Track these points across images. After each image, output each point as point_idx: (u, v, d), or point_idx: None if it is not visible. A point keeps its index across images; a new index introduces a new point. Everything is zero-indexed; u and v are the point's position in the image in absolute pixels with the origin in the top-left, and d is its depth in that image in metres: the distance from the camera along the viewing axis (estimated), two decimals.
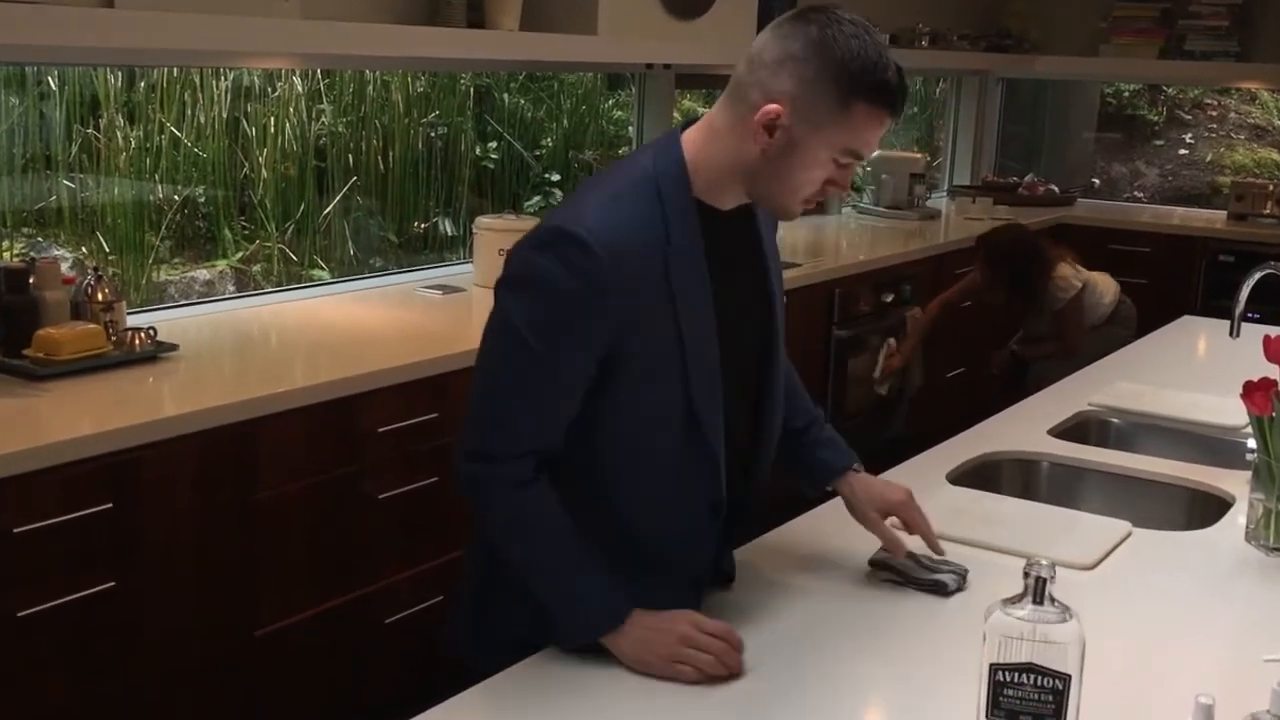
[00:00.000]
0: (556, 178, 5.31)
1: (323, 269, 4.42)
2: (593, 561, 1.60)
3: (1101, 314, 4.55)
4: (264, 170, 4.27)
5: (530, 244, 1.57)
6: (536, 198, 5.24)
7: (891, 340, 4.74)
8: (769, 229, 1.78)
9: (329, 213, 4.43)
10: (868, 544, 1.91)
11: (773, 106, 1.53)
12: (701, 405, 1.63)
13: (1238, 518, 2.17)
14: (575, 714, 1.49)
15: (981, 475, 2.43)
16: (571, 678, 1.57)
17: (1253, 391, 2.03)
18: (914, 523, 1.87)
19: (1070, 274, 4.48)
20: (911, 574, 1.84)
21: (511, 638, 1.64)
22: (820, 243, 5.43)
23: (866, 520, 1.87)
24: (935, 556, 1.87)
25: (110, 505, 2.32)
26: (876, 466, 2.38)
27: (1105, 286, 4.60)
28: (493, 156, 5.06)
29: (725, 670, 1.53)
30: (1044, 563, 1.30)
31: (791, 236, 5.35)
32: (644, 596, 1.59)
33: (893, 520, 1.88)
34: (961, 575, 1.84)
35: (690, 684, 1.52)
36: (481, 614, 1.75)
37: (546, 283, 1.54)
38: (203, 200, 4.18)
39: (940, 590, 1.81)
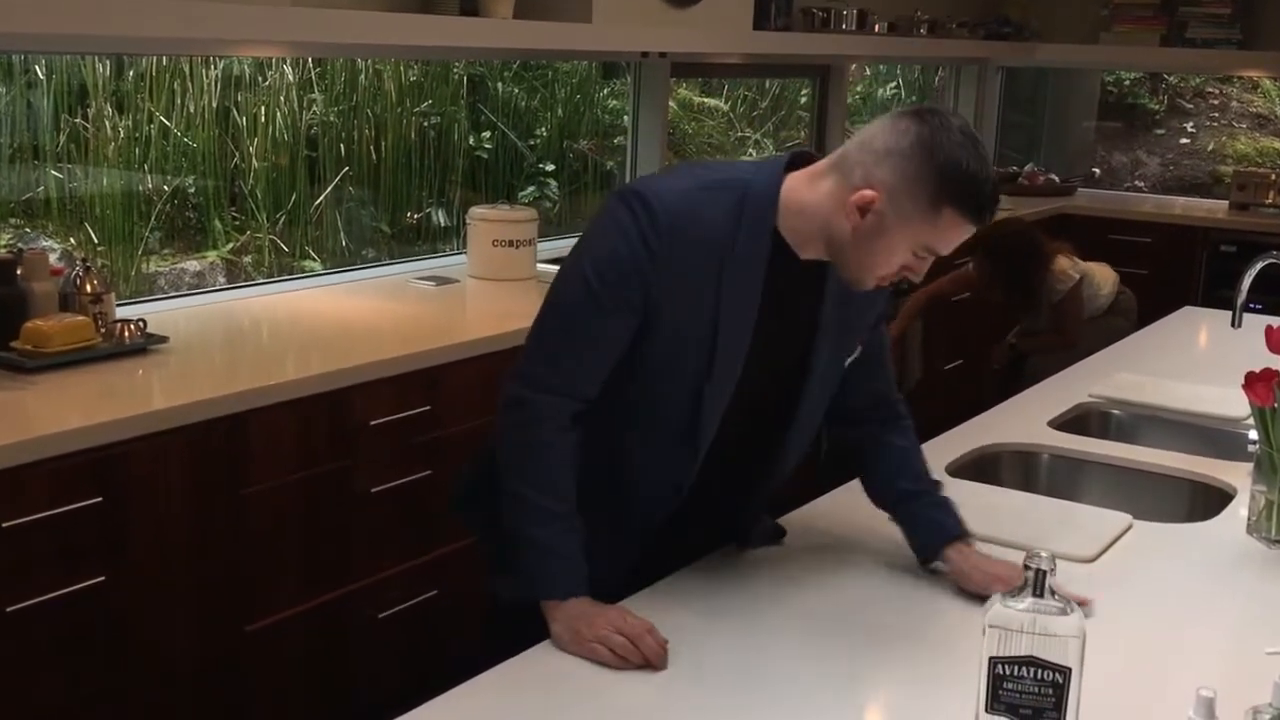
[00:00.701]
0: (551, 168, 5.30)
1: (314, 260, 4.42)
2: (574, 534, 1.70)
3: (1100, 305, 4.55)
4: (254, 160, 4.26)
5: (614, 194, 1.72)
6: (531, 188, 5.24)
7: None
8: (850, 302, 1.80)
9: (321, 203, 4.42)
10: (871, 535, 1.91)
11: (870, 193, 1.62)
12: (707, 404, 1.73)
13: (1239, 510, 2.17)
14: (574, 703, 1.49)
15: (981, 467, 2.44)
16: (571, 670, 1.57)
17: (1254, 382, 2.04)
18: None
19: (1068, 266, 4.47)
20: None
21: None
22: None
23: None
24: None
25: (100, 499, 2.31)
26: None
27: (1103, 277, 4.60)
28: (486, 146, 5.06)
29: (639, 656, 1.58)
30: (1044, 555, 1.30)
31: None
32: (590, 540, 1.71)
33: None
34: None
35: (607, 665, 1.57)
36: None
37: (610, 231, 1.68)
38: (192, 190, 4.18)
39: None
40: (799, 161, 1.73)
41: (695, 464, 1.78)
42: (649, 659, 1.57)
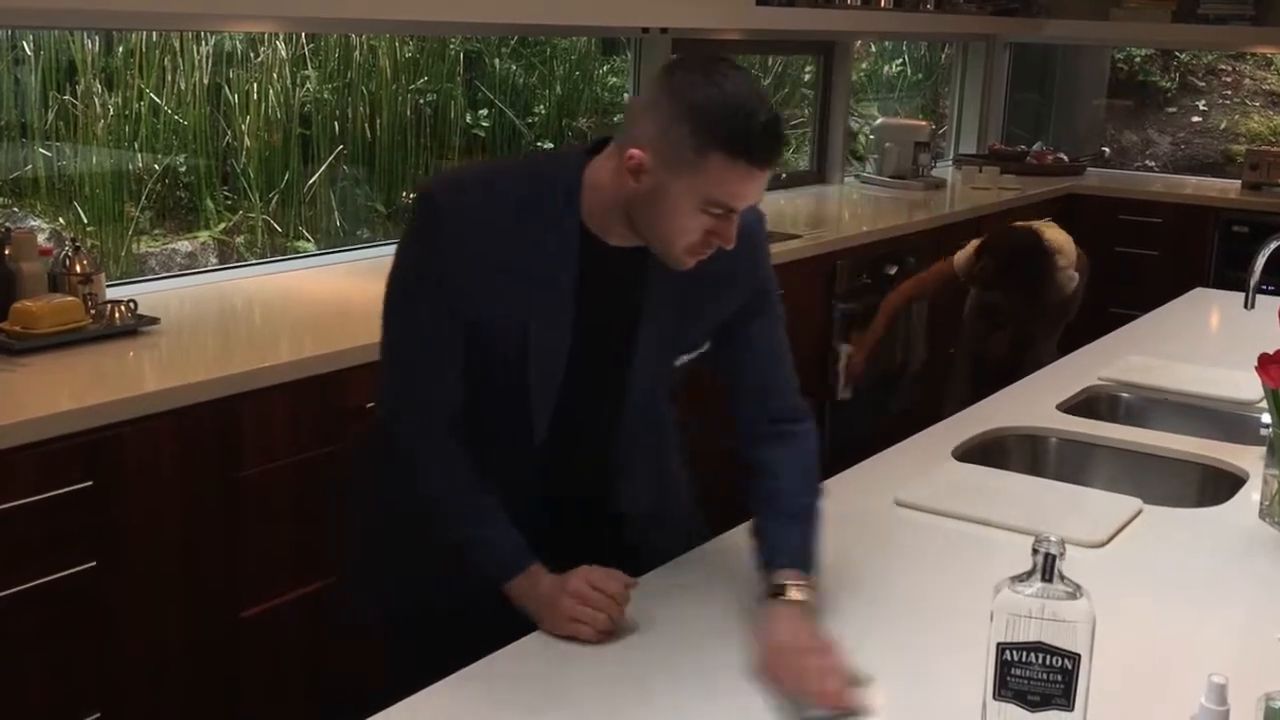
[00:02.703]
0: (550, 146, 5.29)
1: (308, 240, 4.41)
2: (502, 517, 1.71)
3: (1076, 290, 4.56)
4: (247, 138, 4.24)
5: (415, 197, 1.72)
6: None
7: (846, 345, 4.61)
8: (691, 291, 1.70)
9: (314, 182, 4.41)
10: (865, 523, 1.91)
11: (636, 152, 1.56)
12: (535, 403, 1.71)
13: (1251, 494, 2.17)
14: (566, 691, 1.49)
15: (989, 451, 2.43)
16: (565, 655, 1.57)
17: (1268, 364, 2.03)
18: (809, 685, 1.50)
19: (1065, 265, 4.37)
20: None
21: (419, 576, 1.79)
22: (821, 213, 5.41)
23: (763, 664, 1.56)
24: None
25: (90, 483, 2.31)
26: (881, 443, 2.39)
27: (1072, 245, 4.50)
28: (484, 124, 5.04)
29: (611, 626, 1.60)
30: (1053, 539, 1.30)
31: (792, 207, 5.34)
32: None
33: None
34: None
35: (589, 643, 1.58)
36: (383, 565, 1.87)
37: (409, 239, 1.70)
38: (184, 169, 4.16)
39: None
40: (602, 148, 1.67)
41: (533, 460, 1.75)
42: (615, 599, 1.61)
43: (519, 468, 1.76)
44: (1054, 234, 4.49)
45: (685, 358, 1.80)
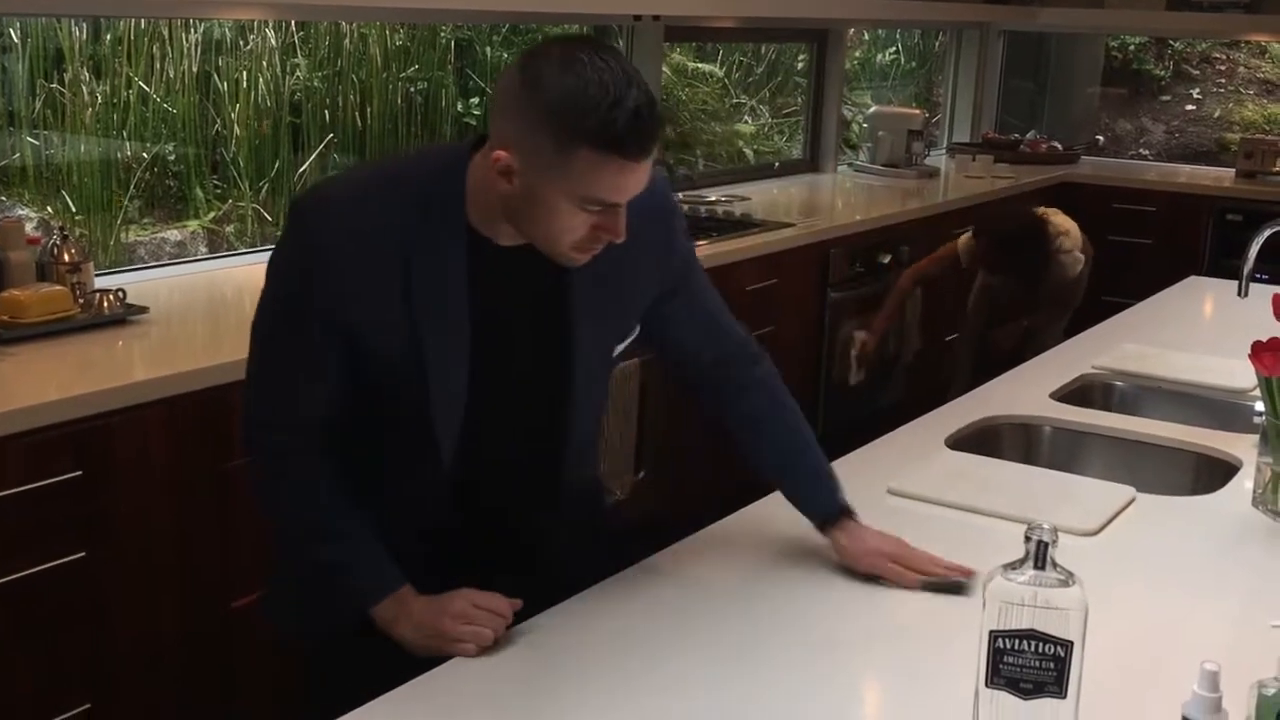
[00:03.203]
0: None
1: None
2: (371, 539, 1.63)
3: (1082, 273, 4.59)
4: (236, 127, 4.23)
5: (289, 208, 1.62)
6: None
7: (859, 333, 4.64)
8: (609, 281, 1.63)
9: (305, 171, 4.40)
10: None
11: (501, 153, 1.46)
12: (439, 425, 1.60)
13: (1244, 482, 2.17)
14: (558, 683, 1.49)
15: (982, 440, 2.44)
16: (556, 643, 1.57)
17: (1261, 352, 2.03)
18: (919, 567, 1.77)
19: (1071, 248, 4.44)
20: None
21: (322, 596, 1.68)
22: (814, 202, 5.41)
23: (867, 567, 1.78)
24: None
25: (79, 473, 2.31)
26: (873, 432, 2.39)
27: (1079, 233, 4.59)
28: (475, 113, 5.03)
29: (499, 624, 1.57)
30: (1045, 527, 1.30)
31: (785, 196, 5.34)
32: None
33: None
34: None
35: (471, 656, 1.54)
36: (292, 582, 1.78)
37: (281, 251, 1.59)
38: (173, 158, 4.15)
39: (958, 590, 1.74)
40: (486, 139, 1.55)
41: (445, 482, 1.65)
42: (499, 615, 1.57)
43: (430, 488, 1.65)
44: (1059, 219, 4.52)
45: (620, 346, 1.73)
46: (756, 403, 1.85)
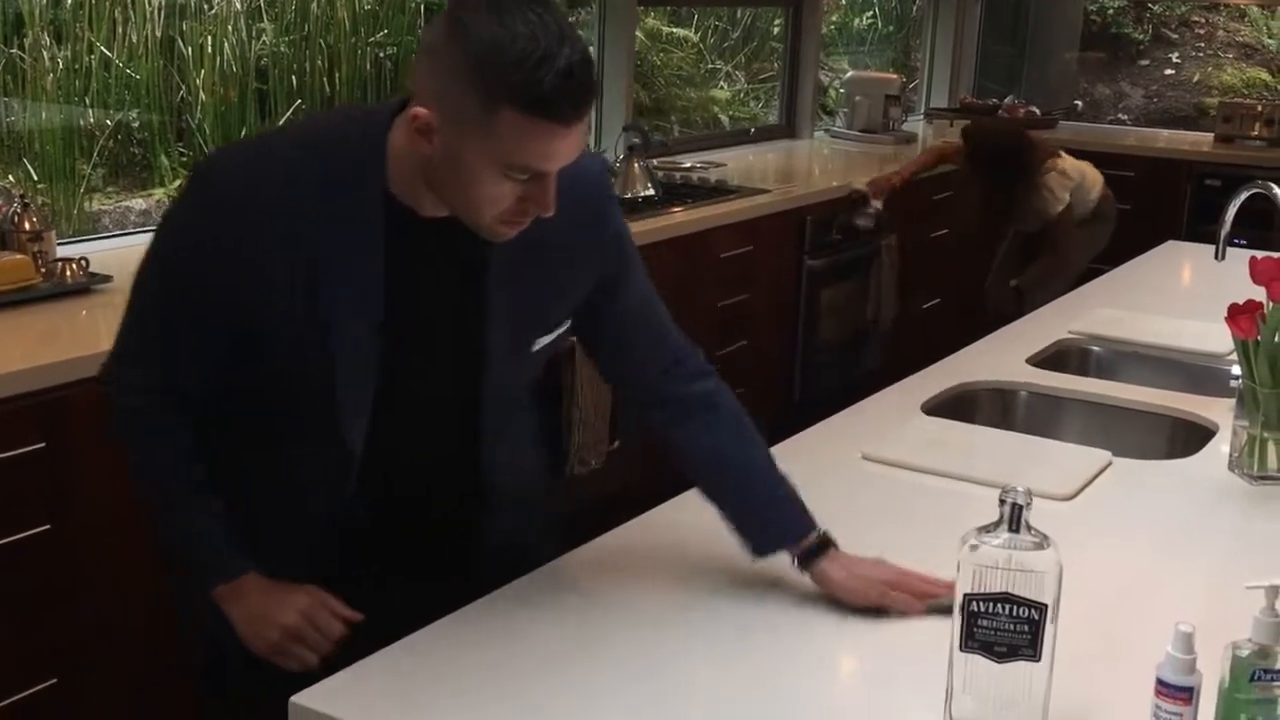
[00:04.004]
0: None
1: None
2: (214, 516, 1.57)
3: (1087, 208, 4.69)
4: (202, 93, 4.19)
5: (191, 170, 1.53)
6: None
7: (861, 186, 4.70)
8: (542, 265, 1.53)
9: None
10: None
11: (421, 110, 1.36)
12: (345, 410, 1.52)
13: (1221, 446, 2.18)
14: (533, 653, 1.49)
15: (957, 406, 2.44)
16: (529, 615, 1.57)
17: (1237, 314, 2.04)
18: (920, 591, 1.61)
19: (1058, 184, 4.56)
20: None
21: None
22: (790, 168, 5.41)
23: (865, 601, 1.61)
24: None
25: (42, 445, 2.29)
26: (849, 399, 2.39)
27: (1093, 180, 4.75)
28: None
29: (326, 647, 1.54)
30: (1019, 490, 1.30)
31: (761, 162, 5.33)
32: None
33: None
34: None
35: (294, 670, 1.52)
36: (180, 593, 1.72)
37: (176, 213, 1.51)
38: (137, 125, 4.11)
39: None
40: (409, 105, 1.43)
41: (352, 468, 1.56)
42: (328, 636, 1.53)
43: (337, 479, 1.57)
44: (1069, 162, 4.69)
45: (544, 340, 1.60)
46: (720, 435, 1.67)
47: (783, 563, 1.66)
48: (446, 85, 1.34)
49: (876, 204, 4.68)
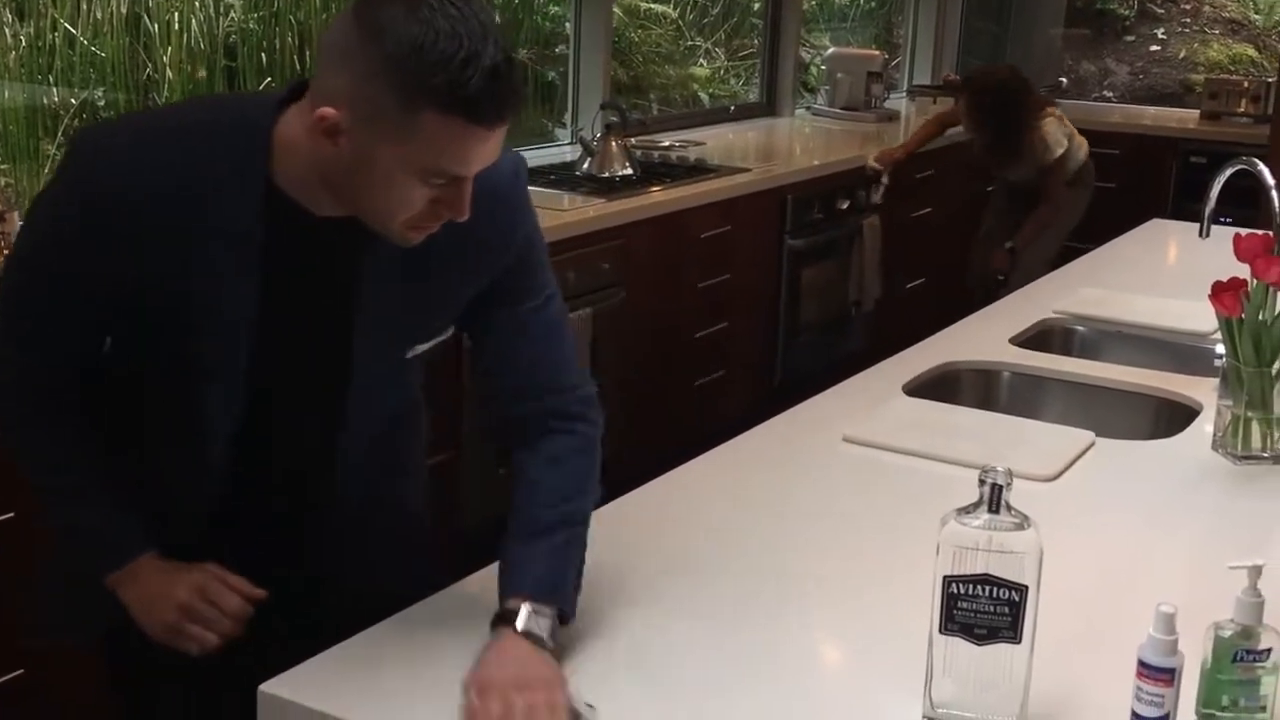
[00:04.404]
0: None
1: None
2: (102, 496, 1.54)
3: (1076, 165, 4.90)
4: (169, 71, 4.16)
5: (69, 148, 1.47)
6: None
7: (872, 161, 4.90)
8: (431, 268, 1.46)
9: None
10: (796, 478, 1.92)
11: (329, 110, 1.30)
12: (211, 408, 1.49)
13: (1205, 426, 2.19)
14: None
15: (940, 386, 2.45)
16: None
17: (1221, 292, 2.05)
18: None
19: (1056, 128, 4.78)
20: None
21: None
22: (771, 146, 5.40)
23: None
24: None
25: None
26: (832, 381, 2.39)
27: (1081, 141, 4.97)
28: None
29: (222, 635, 1.51)
30: (1000, 470, 1.30)
31: (741, 140, 5.32)
32: None
33: None
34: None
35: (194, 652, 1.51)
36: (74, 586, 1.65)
37: (50, 191, 1.47)
38: (102, 104, 4.07)
39: None
40: (301, 94, 1.38)
41: (216, 466, 1.54)
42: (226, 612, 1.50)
43: (200, 471, 1.54)
44: (1067, 122, 4.93)
45: (421, 348, 1.55)
46: (547, 460, 1.53)
47: (757, 546, 1.66)
48: (360, 86, 1.28)
49: (884, 179, 4.79)
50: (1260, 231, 2.14)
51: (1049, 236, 4.84)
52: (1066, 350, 2.78)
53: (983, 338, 2.68)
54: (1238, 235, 2.12)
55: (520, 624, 1.40)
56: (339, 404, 1.53)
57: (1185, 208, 5.45)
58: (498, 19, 1.33)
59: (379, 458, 1.62)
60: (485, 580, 1.58)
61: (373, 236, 1.40)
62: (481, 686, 1.33)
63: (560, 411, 1.55)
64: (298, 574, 1.60)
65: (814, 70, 6.58)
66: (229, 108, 1.51)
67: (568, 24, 4.92)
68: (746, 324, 4.41)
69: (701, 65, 6.40)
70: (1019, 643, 1.31)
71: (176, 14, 4.13)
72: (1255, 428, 2.05)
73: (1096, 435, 2.14)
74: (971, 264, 5.13)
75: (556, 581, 1.46)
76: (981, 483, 1.31)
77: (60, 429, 1.54)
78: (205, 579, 1.52)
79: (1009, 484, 1.30)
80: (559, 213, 3.68)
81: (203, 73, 4.23)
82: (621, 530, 1.76)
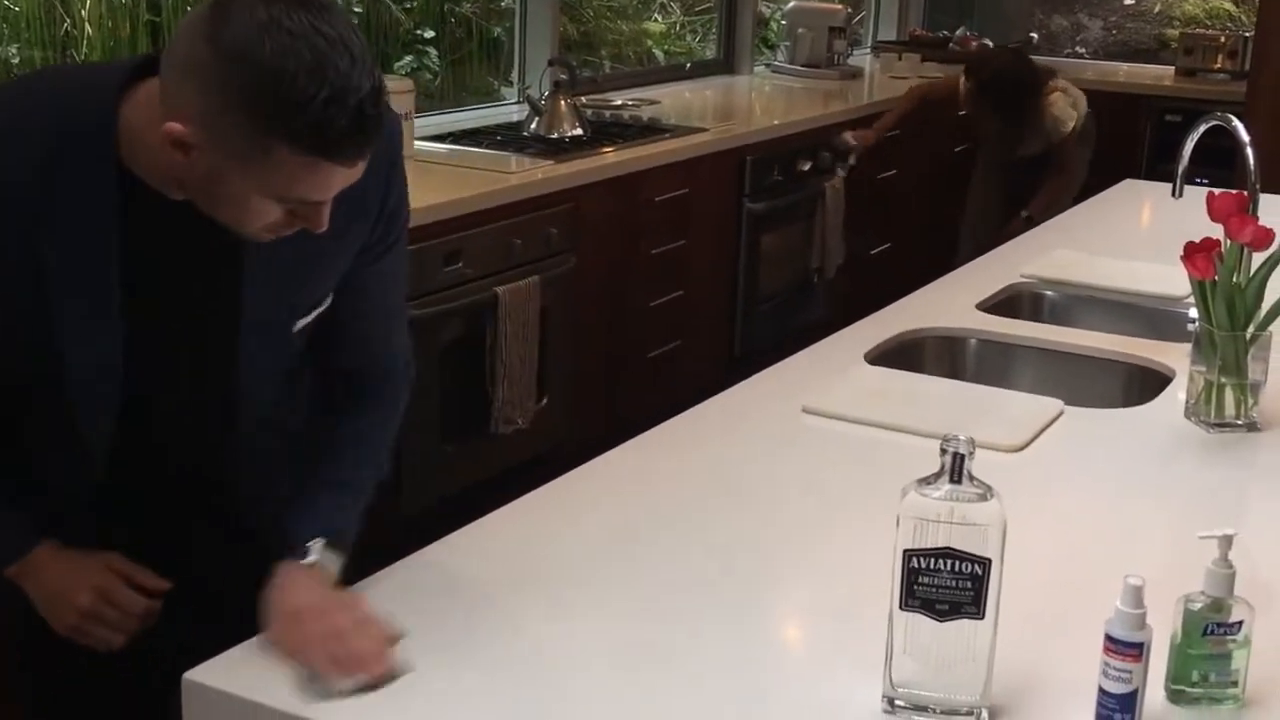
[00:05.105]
0: (430, 35, 5.18)
1: None
2: None
3: (1075, 129, 4.98)
4: (89, 27, 4.10)
5: None
6: (408, 58, 5.12)
7: (848, 133, 4.92)
8: (303, 239, 1.40)
9: None
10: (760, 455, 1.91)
11: (177, 126, 1.26)
12: (83, 409, 1.47)
13: (1177, 393, 2.21)
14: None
15: (903, 354, 2.45)
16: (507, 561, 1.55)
17: (1194, 254, 2.06)
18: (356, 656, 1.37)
19: (1063, 102, 4.90)
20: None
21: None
22: (729, 105, 5.39)
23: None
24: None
25: None
26: (793, 349, 2.39)
27: (1080, 97, 5.08)
28: (356, 10, 4.92)
29: (127, 634, 1.52)
30: (961, 439, 1.30)
31: (698, 99, 5.31)
32: None
33: None
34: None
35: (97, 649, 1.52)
36: None
37: None
38: (17, 62, 4.01)
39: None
40: (150, 69, 1.33)
41: (95, 470, 1.52)
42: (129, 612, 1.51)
43: (79, 476, 1.54)
44: (1064, 82, 5.06)
45: (304, 321, 1.53)
46: (346, 418, 1.61)
47: (709, 521, 1.66)
48: (212, 109, 1.25)
49: (853, 158, 4.89)
50: (1235, 191, 2.15)
51: (1066, 201, 4.91)
52: (1035, 316, 2.79)
53: (948, 304, 2.68)
54: (1211, 194, 2.13)
55: (314, 557, 1.46)
56: (226, 391, 1.53)
57: (1160, 168, 5.48)
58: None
59: (269, 441, 1.63)
60: (421, 562, 1.57)
61: (232, 235, 1.38)
62: (291, 613, 1.38)
63: (379, 373, 1.63)
64: (200, 560, 1.60)
65: (774, 26, 6.57)
66: (66, 84, 1.45)
67: None
68: (703, 292, 4.41)
69: (656, 20, 6.37)
70: (982, 618, 1.31)
71: None
72: (1229, 394, 2.07)
73: (1066, 403, 2.15)
74: (968, 237, 5.15)
75: (344, 531, 1.53)
76: (943, 452, 1.30)
77: None
78: (106, 580, 1.52)
79: (971, 453, 1.30)
80: (505, 175, 3.65)
81: (126, 29, 4.17)
82: (565, 505, 1.75)
